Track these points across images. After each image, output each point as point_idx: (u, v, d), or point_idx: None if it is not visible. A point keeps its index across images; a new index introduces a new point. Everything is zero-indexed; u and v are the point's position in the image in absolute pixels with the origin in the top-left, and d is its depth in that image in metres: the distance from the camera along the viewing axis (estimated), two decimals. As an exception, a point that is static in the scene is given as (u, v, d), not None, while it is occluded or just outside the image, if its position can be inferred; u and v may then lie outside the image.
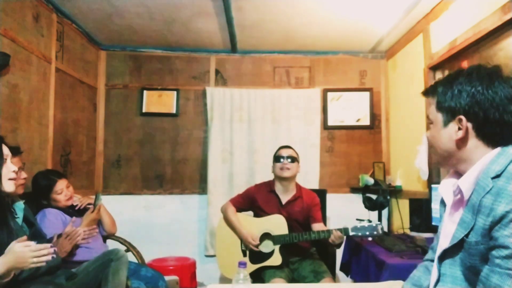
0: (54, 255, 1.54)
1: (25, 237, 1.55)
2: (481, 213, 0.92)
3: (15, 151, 2.01)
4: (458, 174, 1.05)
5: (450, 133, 1.02)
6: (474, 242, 0.93)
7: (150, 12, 2.89)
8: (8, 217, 1.69)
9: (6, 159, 1.66)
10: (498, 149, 0.98)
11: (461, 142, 1.01)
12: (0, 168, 1.62)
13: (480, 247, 0.91)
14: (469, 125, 0.99)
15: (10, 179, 1.66)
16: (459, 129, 1.00)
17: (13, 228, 1.68)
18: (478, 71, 1.01)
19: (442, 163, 1.11)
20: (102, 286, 1.98)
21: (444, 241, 1.05)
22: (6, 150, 1.68)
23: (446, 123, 1.03)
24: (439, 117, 1.05)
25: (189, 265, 3.21)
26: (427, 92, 1.12)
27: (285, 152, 2.57)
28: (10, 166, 1.67)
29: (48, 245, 1.52)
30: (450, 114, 1.02)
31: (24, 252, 1.45)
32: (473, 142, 1.00)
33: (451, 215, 1.07)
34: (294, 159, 2.54)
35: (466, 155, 1.01)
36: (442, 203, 1.15)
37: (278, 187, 2.58)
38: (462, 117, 0.99)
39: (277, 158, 2.57)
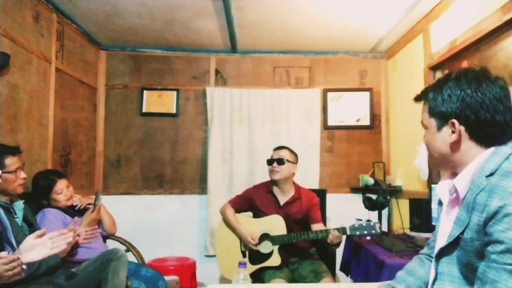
0: (24, 266, 1.46)
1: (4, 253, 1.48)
2: (476, 210, 0.93)
3: (14, 151, 1.99)
4: (455, 175, 1.07)
5: (444, 137, 1.04)
6: (470, 238, 0.94)
7: (150, 12, 2.89)
8: None
9: None
10: (493, 148, 0.99)
11: (455, 145, 1.03)
12: None
13: (476, 244, 0.92)
14: (462, 128, 1.01)
15: None
16: (453, 132, 1.02)
17: (6, 227, 1.64)
18: (466, 74, 1.03)
19: (438, 166, 1.13)
20: (102, 286, 1.98)
21: (441, 240, 1.07)
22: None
23: (439, 128, 1.05)
24: (432, 122, 1.07)
25: (189, 265, 3.21)
26: (418, 98, 1.14)
27: (275, 155, 2.55)
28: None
29: (16, 256, 1.44)
30: (442, 118, 1.04)
31: None
32: (467, 144, 1.02)
33: (447, 214, 1.09)
34: (284, 161, 2.50)
35: (461, 157, 1.03)
36: (440, 203, 1.17)
37: (275, 188, 2.57)
38: (455, 120, 1.01)
39: (268, 161, 2.57)
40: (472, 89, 0.99)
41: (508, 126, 0.98)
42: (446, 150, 1.05)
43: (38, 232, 1.52)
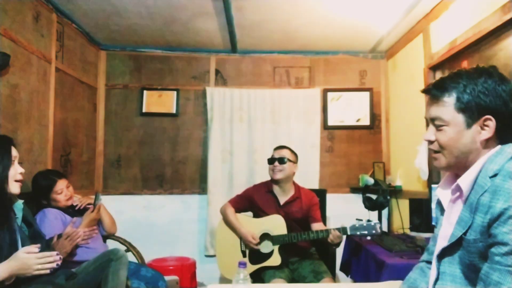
0: (59, 263, 1.53)
1: (37, 245, 1.54)
2: (479, 211, 0.93)
3: None
4: (456, 177, 1.05)
5: (473, 134, 0.99)
6: (473, 239, 0.93)
7: (150, 12, 2.89)
8: (11, 218, 1.69)
9: (14, 160, 1.66)
10: (497, 148, 0.98)
11: (486, 142, 0.99)
12: (8, 169, 1.63)
13: (479, 245, 0.92)
14: (495, 124, 0.97)
15: (16, 180, 1.66)
16: (482, 128, 0.98)
17: (15, 229, 1.68)
18: (493, 69, 1.00)
19: (453, 166, 1.05)
20: (102, 286, 1.98)
21: (442, 242, 1.06)
22: (14, 152, 1.68)
23: (469, 124, 0.99)
24: (459, 118, 1.00)
25: (189, 265, 3.21)
26: (437, 90, 1.03)
27: (276, 154, 2.56)
28: (18, 168, 1.67)
29: (54, 252, 1.52)
30: (475, 114, 0.98)
31: (29, 259, 1.45)
32: (493, 141, 0.99)
33: (448, 216, 1.07)
34: (285, 160, 2.50)
35: (479, 155, 1.00)
36: (438, 206, 1.15)
37: (275, 188, 2.57)
38: (491, 116, 0.97)
39: (269, 160, 2.57)
40: (505, 84, 0.96)
41: None
42: (473, 148, 1.00)
43: (29, 248, 1.53)
